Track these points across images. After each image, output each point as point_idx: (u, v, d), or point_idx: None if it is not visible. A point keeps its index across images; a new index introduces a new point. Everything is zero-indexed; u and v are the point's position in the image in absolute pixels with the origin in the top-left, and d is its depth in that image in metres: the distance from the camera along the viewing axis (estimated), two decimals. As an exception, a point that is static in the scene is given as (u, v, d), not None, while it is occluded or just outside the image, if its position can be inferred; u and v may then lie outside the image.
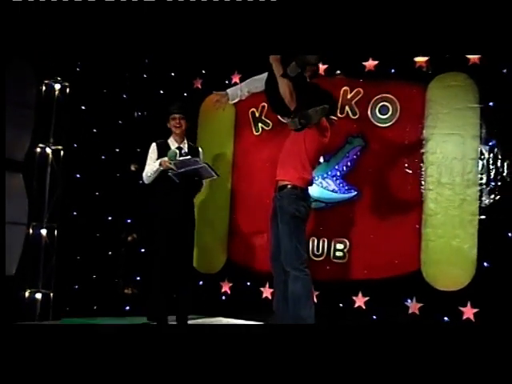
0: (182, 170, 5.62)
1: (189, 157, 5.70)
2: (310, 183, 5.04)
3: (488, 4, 5.15)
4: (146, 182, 5.89)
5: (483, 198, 5.54)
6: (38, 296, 6.36)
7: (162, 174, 5.75)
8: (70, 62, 6.76)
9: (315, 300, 5.90)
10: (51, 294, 6.43)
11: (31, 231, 6.45)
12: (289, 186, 4.84)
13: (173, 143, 5.91)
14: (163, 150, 5.81)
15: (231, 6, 5.71)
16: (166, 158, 5.69)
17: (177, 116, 5.89)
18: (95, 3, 5.68)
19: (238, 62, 6.77)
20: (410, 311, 5.66)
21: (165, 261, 5.76)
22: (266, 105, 6.55)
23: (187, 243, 5.90)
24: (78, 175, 6.72)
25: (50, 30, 6.12)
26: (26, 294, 6.35)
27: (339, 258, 6.03)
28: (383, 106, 6.02)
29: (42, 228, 6.49)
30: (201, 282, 6.77)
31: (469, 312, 5.40)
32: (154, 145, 5.93)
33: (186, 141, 6.01)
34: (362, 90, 6.14)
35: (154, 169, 5.77)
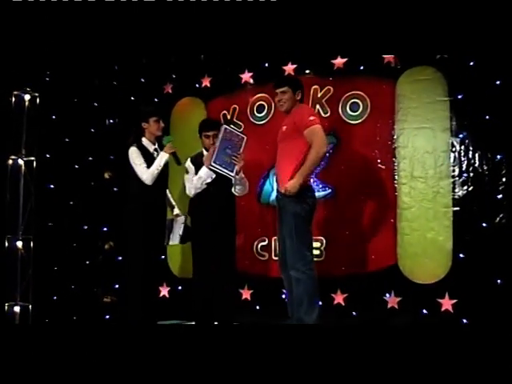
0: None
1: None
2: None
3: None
4: (151, 182, 5.36)
5: (456, 190, 5.57)
6: (17, 309, 6.32)
7: None
8: (38, 71, 6.74)
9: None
10: (30, 307, 6.40)
11: (7, 244, 6.41)
12: None
13: (148, 145, 5.51)
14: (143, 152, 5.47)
15: (199, 11, 5.74)
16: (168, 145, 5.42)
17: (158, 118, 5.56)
18: (62, 12, 5.70)
19: (208, 64, 6.78)
20: (389, 305, 5.69)
21: None
22: (237, 107, 6.57)
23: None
24: (52, 185, 6.70)
25: (18, 40, 6.13)
26: (5, 307, 6.31)
27: (316, 256, 6.00)
28: (354, 102, 6.04)
29: (18, 240, 6.45)
30: (180, 287, 6.73)
31: (447, 303, 5.43)
32: (133, 149, 5.45)
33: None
34: (331, 88, 6.15)
35: (162, 161, 5.38)
